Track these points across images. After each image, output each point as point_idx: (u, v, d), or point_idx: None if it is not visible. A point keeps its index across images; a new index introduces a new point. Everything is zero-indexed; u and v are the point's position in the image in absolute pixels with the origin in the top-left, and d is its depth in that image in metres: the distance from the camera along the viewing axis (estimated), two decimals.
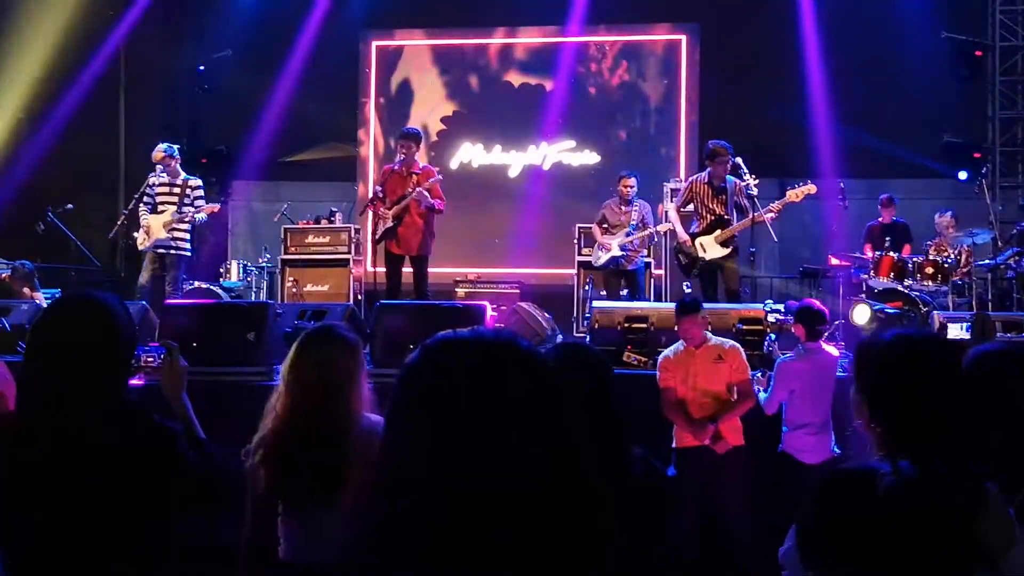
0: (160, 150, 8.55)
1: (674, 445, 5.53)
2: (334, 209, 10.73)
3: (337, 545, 2.54)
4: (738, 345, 5.62)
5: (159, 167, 8.58)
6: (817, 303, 5.93)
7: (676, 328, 5.70)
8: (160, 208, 8.49)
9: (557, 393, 1.13)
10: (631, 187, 9.02)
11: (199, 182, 8.75)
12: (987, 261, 9.01)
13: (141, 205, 8.57)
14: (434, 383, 1.12)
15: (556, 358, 2.62)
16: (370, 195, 8.85)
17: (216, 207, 8.78)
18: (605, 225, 9.13)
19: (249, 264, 10.28)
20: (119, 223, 8.99)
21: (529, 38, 12.25)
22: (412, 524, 1.05)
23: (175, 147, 8.72)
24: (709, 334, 5.62)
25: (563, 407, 1.13)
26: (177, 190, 8.49)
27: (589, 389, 2.44)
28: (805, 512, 1.71)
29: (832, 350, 5.83)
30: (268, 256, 10.47)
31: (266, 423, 2.90)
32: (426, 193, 8.12)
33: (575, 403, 1.15)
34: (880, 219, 9.63)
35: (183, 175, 8.64)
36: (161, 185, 8.55)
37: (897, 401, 1.93)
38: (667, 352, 5.67)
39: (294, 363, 2.88)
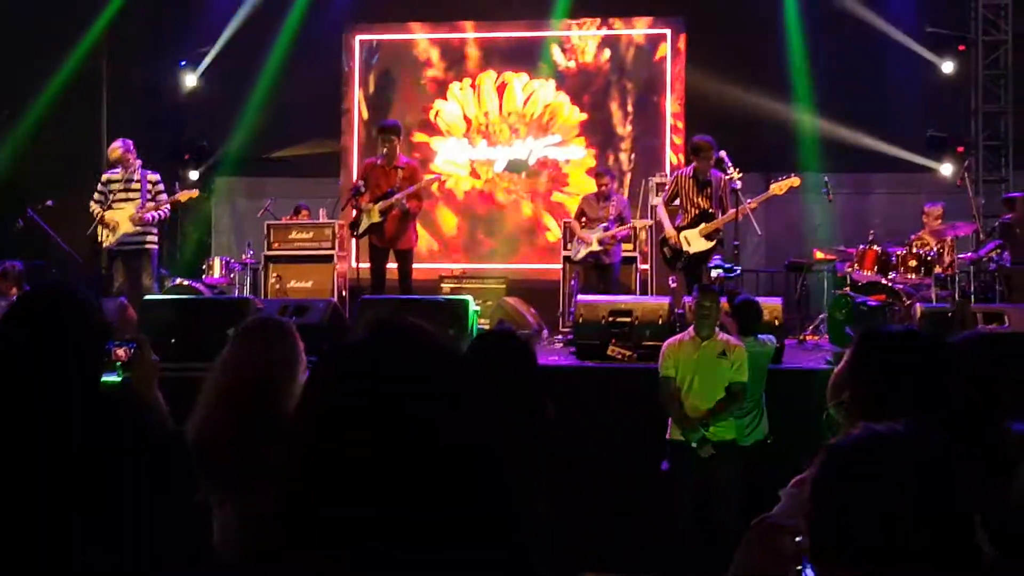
0: (116, 148, 8.43)
1: (668, 436, 5.54)
2: (301, 204, 10.76)
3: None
4: (743, 346, 5.60)
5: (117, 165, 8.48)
6: (759, 303, 6.02)
7: (689, 312, 5.76)
8: (117, 205, 8.38)
9: (457, 359, 1.09)
10: (605, 184, 9.12)
11: (158, 176, 8.67)
12: (970, 254, 9.05)
13: (92, 203, 8.47)
14: (339, 387, 1.06)
15: (475, 345, 3.05)
16: (352, 188, 8.82)
17: (189, 194, 8.76)
18: (584, 219, 9.16)
19: (233, 260, 10.21)
20: (98, 219, 8.91)
21: (512, 31, 12.20)
22: (335, 511, 1.02)
23: (131, 142, 8.59)
24: (717, 329, 5.62)
25: (464, 370, 1.08)
26: (136, 185, 8.40)
27: (509, 363, 2.59)
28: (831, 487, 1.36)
29: (767, 341, 5.92)
30: (251, 252, 10.41)
31: (198, 414, 2.84)
32: (403, 200, 8.08)
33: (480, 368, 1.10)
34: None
35: (139, 170, 8.50)
36: (117, 181, 8.45)
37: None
38: (672, 340, 5.67)
39: (230, 352, 2.86)
